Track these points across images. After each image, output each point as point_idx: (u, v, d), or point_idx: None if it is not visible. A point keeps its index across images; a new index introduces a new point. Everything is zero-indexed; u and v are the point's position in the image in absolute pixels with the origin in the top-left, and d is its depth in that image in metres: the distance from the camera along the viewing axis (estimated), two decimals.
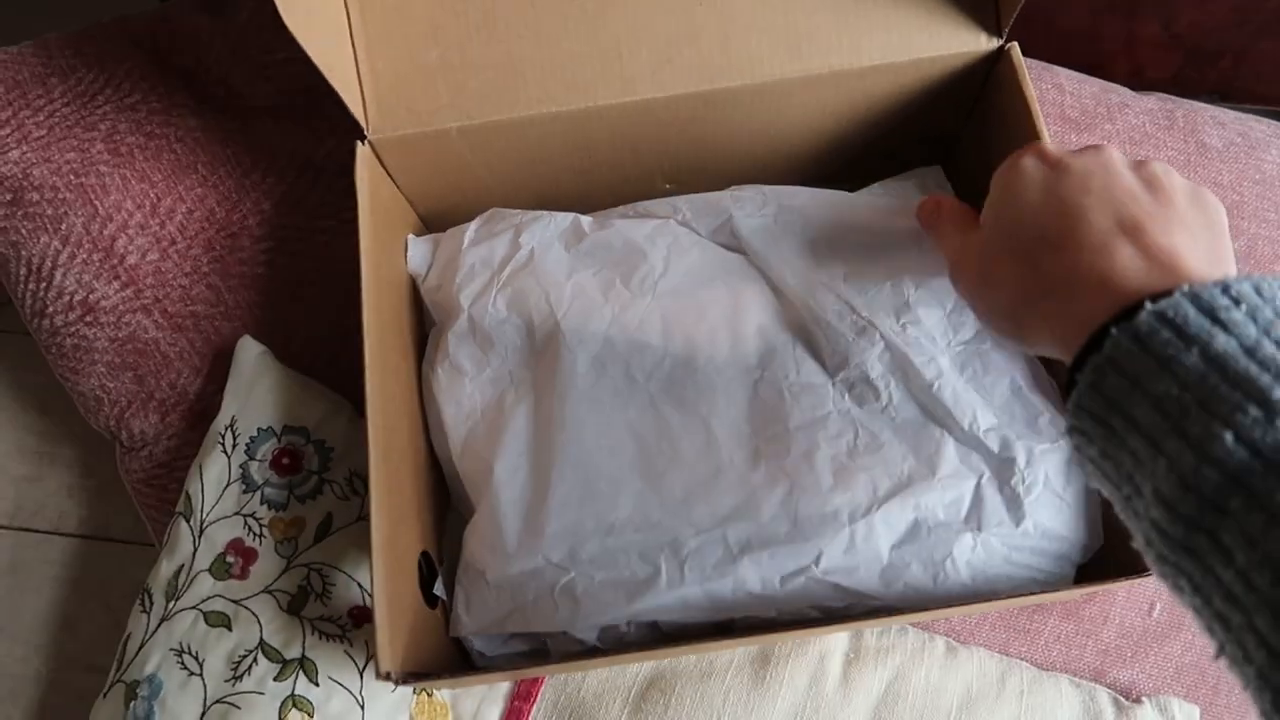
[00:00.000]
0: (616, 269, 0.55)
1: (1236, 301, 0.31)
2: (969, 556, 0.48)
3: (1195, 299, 0.31)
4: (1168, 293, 0.32)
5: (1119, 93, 0.73)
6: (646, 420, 0.52)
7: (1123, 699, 0.57)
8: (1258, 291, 0.31)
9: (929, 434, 0.50)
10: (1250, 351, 0.29)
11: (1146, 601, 0.59)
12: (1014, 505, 0.49)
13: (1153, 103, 0.72)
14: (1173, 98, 0.73)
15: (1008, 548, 0.48)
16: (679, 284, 0.54)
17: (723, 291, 0.54)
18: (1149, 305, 0.32)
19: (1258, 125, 0.72)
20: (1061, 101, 0.70)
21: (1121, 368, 0.32)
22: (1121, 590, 0.59)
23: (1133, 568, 0.48)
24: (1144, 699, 0.57)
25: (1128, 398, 0.31)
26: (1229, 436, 0.28)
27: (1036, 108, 0.53)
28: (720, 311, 0.53)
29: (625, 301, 0.54)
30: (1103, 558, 0.52)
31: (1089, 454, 0.34)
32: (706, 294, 0.54)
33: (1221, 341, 0.30)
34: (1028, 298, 0.38)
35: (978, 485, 0.49)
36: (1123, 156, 0.40)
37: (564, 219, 0.57)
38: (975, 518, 0.48)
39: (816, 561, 0.48)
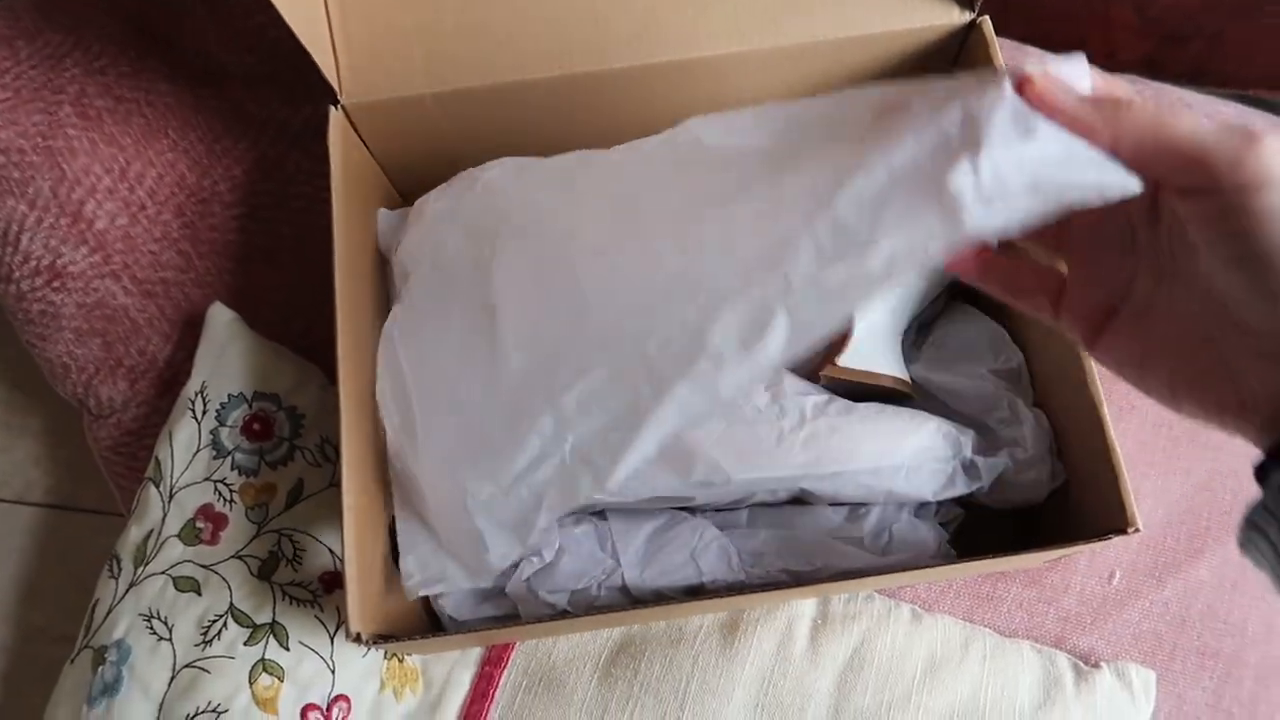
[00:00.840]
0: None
1: None
2: None
3: None
4: None
5: (1091, 75, 0.73)
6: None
7: (1082, 664, 0.58)
8: None
9: None
10: None
11: (1107, 569, 0.61)
12: None
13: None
14: (1143, 80, 0.74)
15: None
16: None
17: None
18: None
19: (1225, 108, 0.73)
20: None
21: None
22: (1083, 558, 0.60)
23: (1093, 532, 0.49)
24: (1102, 664, 0.58)
25: None
26: None
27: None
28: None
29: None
30: (1064, 522, 0.53)
31: (1259, 547, 0.32)
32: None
33: None
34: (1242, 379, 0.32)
35: None
36: None
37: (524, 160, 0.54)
38: None
39: None
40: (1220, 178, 0.29)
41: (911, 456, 0.51)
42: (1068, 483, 0.53)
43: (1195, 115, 0.30)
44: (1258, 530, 0.32)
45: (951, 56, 0.57)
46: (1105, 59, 0.75)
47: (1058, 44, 0.72)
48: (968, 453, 0.52)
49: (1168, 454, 0.63)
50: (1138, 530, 0.47)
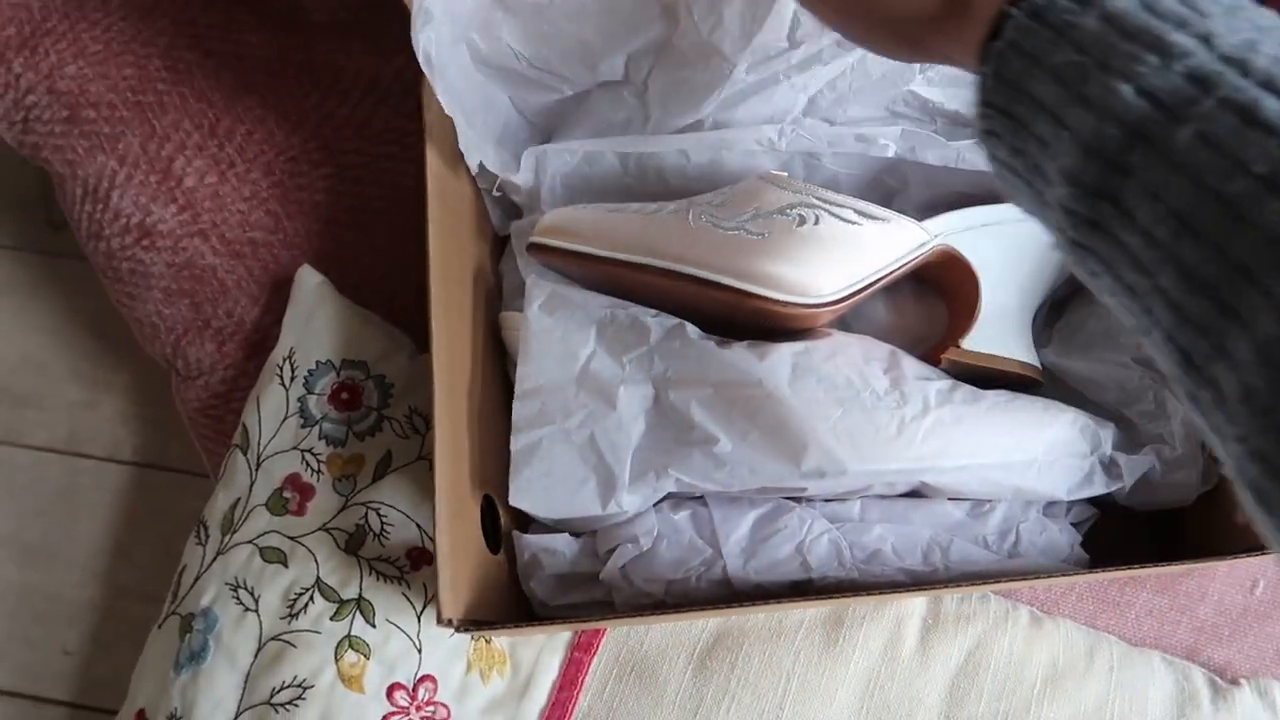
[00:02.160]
0: None
1: None
2: None
3: None
4: None
5: None
6: None
7: (1219, 679, 0.53)
8: None
9: None
10: (1148, 6, 0.28)
11: (1250, 578, 0.56)
12: None
13: None
14: None
15: None
16: None
17: None
18: None
19: None
20: None
21: (1021, 48, 0.30)
22: (1223, 564, 0.56)
23: (1247, 544, 0.45)
24: (1242, 680, 0.53)
25: (1029, 77, 0.30)
26: (1128, 90, 0.27)
27: None
28: None
29: None
30: (1211, 529, 0.49)
31: (1000, 157, 0.33)
32: None
33: None
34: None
35: None
36: None
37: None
38: None
39: None
40: None
41: (1045, 451, 0.47)
42: (1219, 486, 0.48)
43: None
44: (992, 135, 0.33)
45: None
46: None
47: None
48: (1108, 449, 0.48)
49: None
50: None
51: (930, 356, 0.51)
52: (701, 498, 0.52)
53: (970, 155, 0.51)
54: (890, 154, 0.51)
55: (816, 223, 0.49)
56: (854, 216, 0.49)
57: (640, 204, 0.52)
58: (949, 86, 0.56)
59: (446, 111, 0.50)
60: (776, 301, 0.48)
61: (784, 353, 0.49)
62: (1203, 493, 0.48)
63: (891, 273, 0.50)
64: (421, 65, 0.48)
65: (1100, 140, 0.28)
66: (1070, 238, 0.30)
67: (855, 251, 0.49)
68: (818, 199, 0.49)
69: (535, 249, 0.52)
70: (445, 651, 0.53)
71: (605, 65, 0.55)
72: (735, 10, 0.51)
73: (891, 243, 0.50)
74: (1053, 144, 0.30)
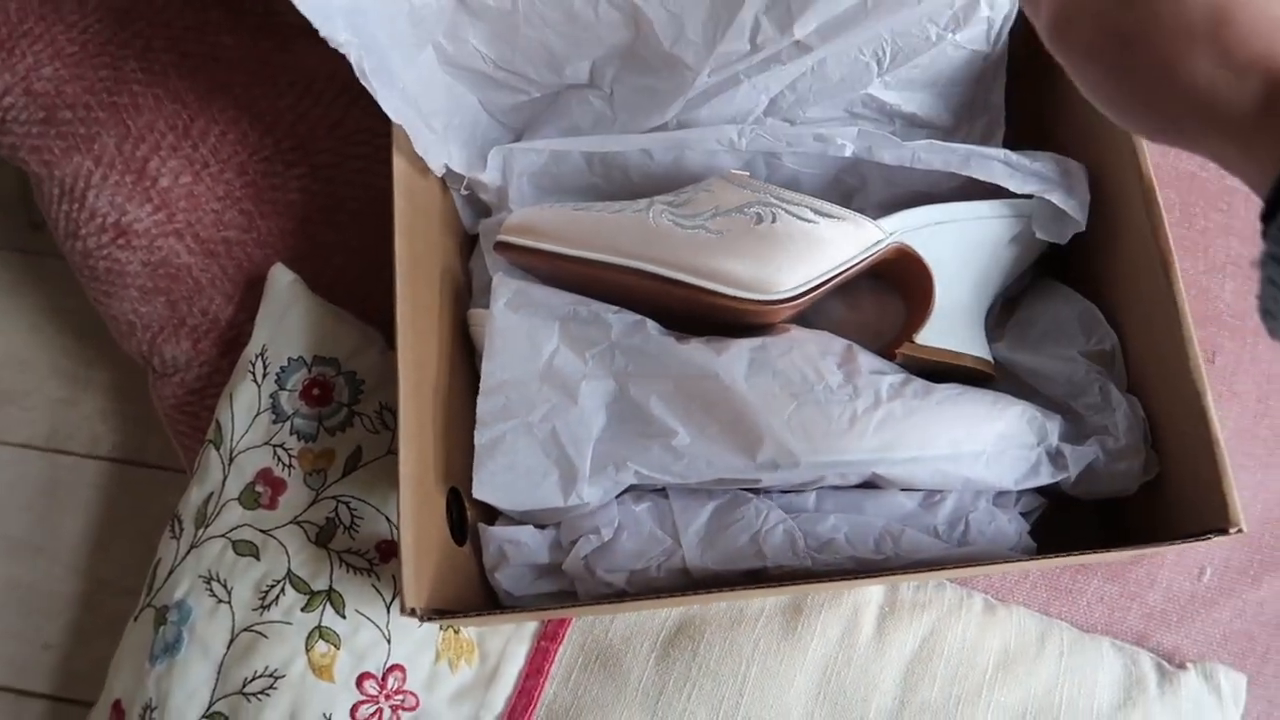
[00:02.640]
0: None
1: None
2: None
3: None
4: None
5: None
6: None
7: (1166, 664, 0.55)
8: None
9: None
10: None
11: (1197, 565, 0.57)
12: None
13: None
14: None
15: None
16: None
17: None
18: None
19: None
20: None
21: None
22: (1171, 552, 0.57)
23: (1189, 530, 0.46)
24: (1189, 665, 0.55)
25: None
26: None
27: None
28: None
29: None
30: (1156, 517, 0.50)
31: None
32: None
33: None
34: (1182, 90, 0.29)
35: None
36: None
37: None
38: None
39: None
40: None
41: (994, 443, 0.49)
42: (1162, 475, 0.50)
43: None
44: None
45: None
46: None
47: None
48: (1054, 440, 0.49)
49: (1269, 445, 0.59)
50: (1240, 530, 0.43)
51: (886, 351, 0.53)
52: (662, 490, 0.53)
53: (926, 155, 0.52)
54: (848, 154, 0.52)
55: (774, 221, 0.50)
56: (811, 215, 0.50)
57: (605, 203, 0.53)
58: (905, 90, 0.57)
59: (393, 118, 0.50)
60: (735, 299, 0.50)
61: (741, 348, 0.51)
62: (1145, 482, 0.50)
63: (848, 269, 0.51)
64: (358, 77, 0.49)
65: None
66: None
67: (812, 249, 0.50)
68: (775, 198, 0.51)
69: (502, 248, 0.54)
70: (414, 642, 0.54)
71: (570, 70, 0.56)
72: (698, 21, 0.53)
73: (848, 240, 0.51)
74: None
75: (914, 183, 0.56)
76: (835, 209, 0.51)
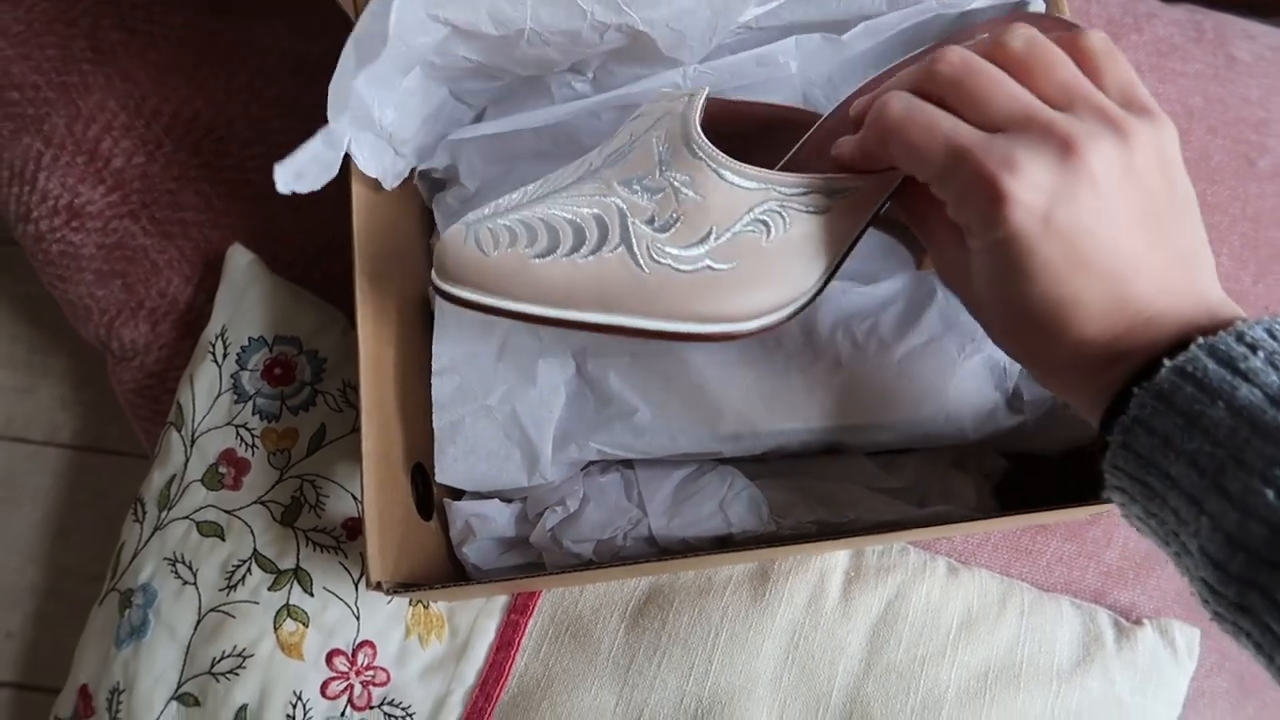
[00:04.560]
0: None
1: (1253, 348, 0.30)
2: None
3: (1213, 351, 0.30)
4: (1182, 344, 0.31)
5: (1147, 2, 0.70)
6: None
7: (1123, 620, 0.56)
8: (1272, 335, 0.30)
9: None
10: (1276, 400, 0.29)
11: None
12: None
13: (1181, 14, 0.69)
14: (1202, 9, 0.70)
15: None
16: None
17: None
18: (1167, 362, 0.31)
19: None
20: (1088, 10, 0.67)
21: (1151, 427, 0.31)
22: None
23: None
24: (1145, 620, 0.56)
25: (1162, 456, 0.31)
26: (1270, 493, 0.28)
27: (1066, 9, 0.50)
28: None
29: None
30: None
31: (1133, 512, 0.34)
32: None
33: (1245, 393, 0.29)
34: (1041, 359, 0.36)
35: None
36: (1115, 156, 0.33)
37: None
38: None
39: None
40: (976, 237, 0.34)
41: (954, 396, 0.49)
42: None
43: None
44: (1122, 492, 0.34)
45: None
46: None
47: None
48: (1010, 384, 0.50)
49: None
50: None
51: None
52: (629, 462, 0.53)
53: (864, 37, 0.50)
54: (792, 70, 0.50)
55: (787, 226, 0.41)
56: (821, 202, 0.41)
57: (548, 191, 0.42)
58: None
59: (366, 171, 0.50)
60: (758, 329, 0.42)
61: None
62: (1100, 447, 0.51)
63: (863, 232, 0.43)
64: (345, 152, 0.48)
65: (1245, 535, 0.28)
66: (1215, 610, 0.31)
67: (831, 236, 0.42)
68: (779, 191, 0.41)
69: (447, 298, 0.42)
70: (384, 618, 0.54)
71: (559, 67, 0.55)
72: (698, 30, 0.50)
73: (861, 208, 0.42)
74: (1191, 523, 0.30)
75: (856, 79, 0.55)
76: (842, 179, 0.41)
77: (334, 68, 0.54)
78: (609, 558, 0.52)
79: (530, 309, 0.41)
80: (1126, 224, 0.33)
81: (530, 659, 0.54)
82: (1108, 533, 0.58)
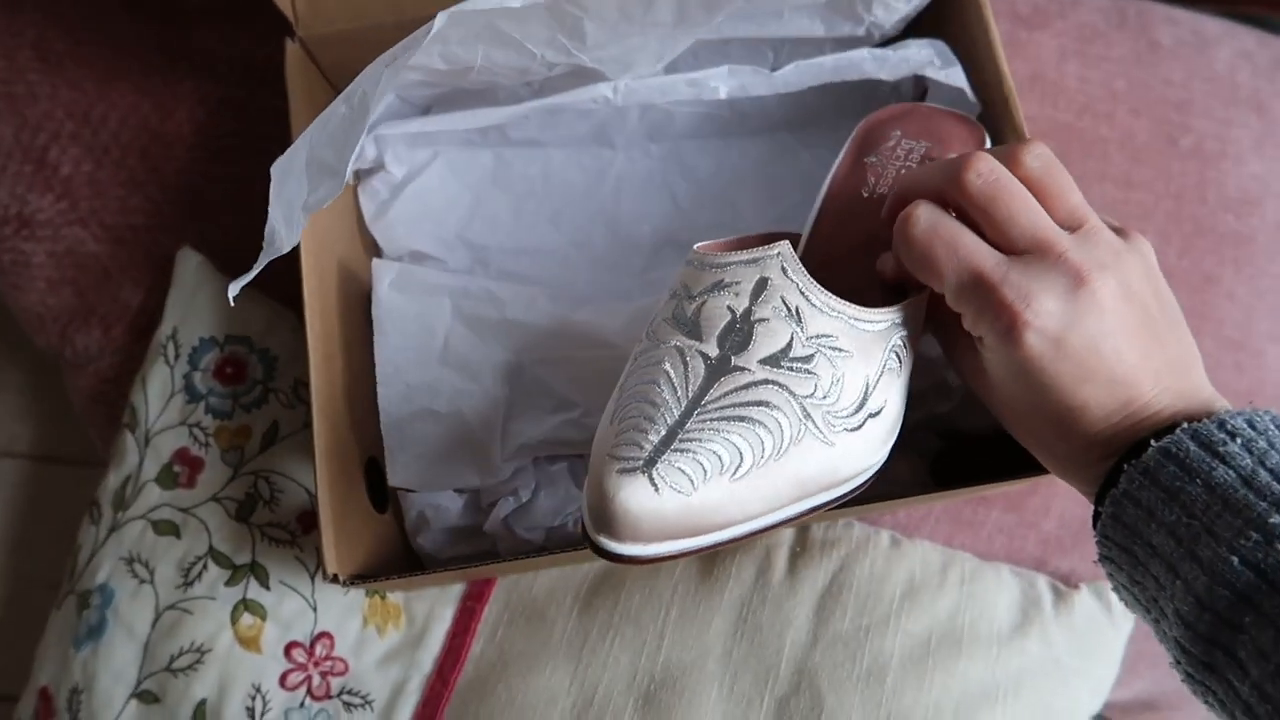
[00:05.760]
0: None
1: (1232, 435, 0.34)
2: None
3: (1195, 435, 0.34)
4: (1170, 428, 0.35)
5: None
6: None
7: (1061, 585, 0.58)
8: (1251, 425, 0.34)
9: None
10: (1247, 481, 0.33)
11: None
12: None
13: (1106, 0, 0.71)
14: None
15: None
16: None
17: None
18: (1154, 443, 0.35)
19: (1210, 24, 0.72)
20: None
21: (1137, 499, 0.35)
22: (1062, 483, 0.60)
23: None
24: (1081, 585, 0.58)
25: (1146, 526, 0.35)
26: (1235, 560, 0.31)
27: (987, 2, 0.52)
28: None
29: None
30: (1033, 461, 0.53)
31: (1120, 581, 0.38)
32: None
33: (1220, 473, 0.33)
34: (1051, 451, 0.40)
35: None
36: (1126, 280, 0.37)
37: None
38: None
39: None
40: (991, 350, 0.38)
41: None
42: None
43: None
44: (1110, 562, 0.38)
45: None
46: None
47: None
48: (938, 373, 0.51)
49: None
50: None
51: None
52: (580, 455, 0.55)
53: (795, 78, 0.52)
54: (722, 95, 0.52)
55: (909, 352, 0.42)
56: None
57: (688, 408, 0.37)
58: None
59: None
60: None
61: (632, 313, 0.52)
62: None
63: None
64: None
65: (1212, 597, 0.32)
66: (1186, 670, 0.34)
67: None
68: (897, 323, 0.40)
69: (639, 561, 0.36)
70: (341, 609, 0.55)
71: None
72: (646, 57, 0.51)
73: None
74: (1168, 588, 0.34)
75: (784, 109, 0.58)
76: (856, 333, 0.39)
77: (279, 69, 0.55)
78: (560, 543, 0.53)
79: (741, 530, 0.37)
80: (1127, 338, 0.37)
81: (486, 643, 0.56)
82: (1046, 503, 0.60)
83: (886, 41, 0.55)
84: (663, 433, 0.36)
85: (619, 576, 0.56)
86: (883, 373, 0.40)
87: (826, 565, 0.56)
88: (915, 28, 0.56)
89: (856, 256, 0.46)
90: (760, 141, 0.60)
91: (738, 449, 0.36)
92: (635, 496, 0.35)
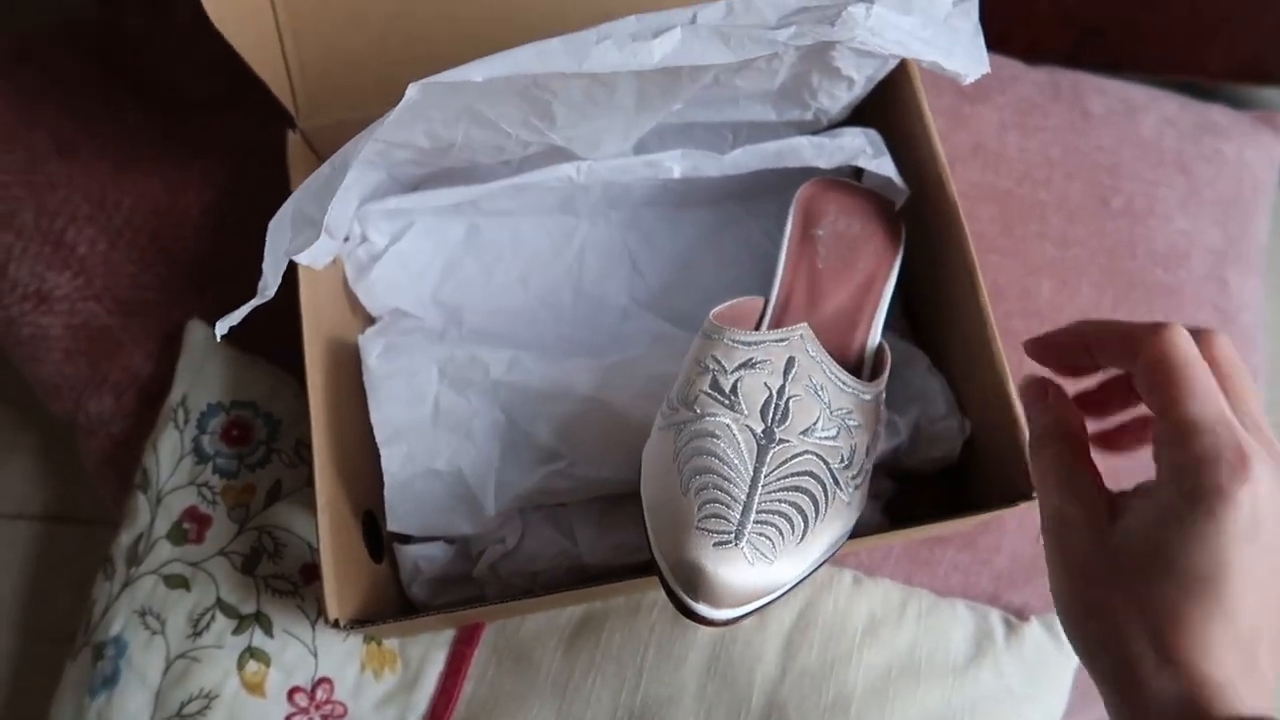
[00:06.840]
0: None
1: None
2: None
3: None
4: None
5: (1011, 66, 0.78)
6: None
7: (1013, 618, 0.62)
8: None
9: None
10: None
11: (1034, 531, 0.64)
12: None
13: (1042, 75, 0.78)
14: (1062, 70, 0.79)
15: None
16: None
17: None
18: None
19: (1137, 92, 0.78)
20: None
21: None
22: (1012, 522, 0.65)
23: (1018, 494, 0.53)
24: (1033, 618, 0.62)
25: None
26: None
27: (917, 72, 0.58)
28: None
29: None
30: (990, 489, 0.58)
31: None
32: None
33: None
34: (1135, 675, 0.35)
35: None
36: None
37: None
38: None
39: None
40: (1180, 482, 0.35)
41: None
42: (978, 453, 0.57)
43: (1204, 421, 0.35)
44: None
45: None
46: (1030, 51, 0.79)
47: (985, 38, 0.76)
48: (884, 411, 0.56)
49: None
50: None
51: None
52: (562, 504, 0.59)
53: (743, 160, 0.57)
54: (676, 175, 0.57)
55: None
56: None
57: (750, 485, 0.44)
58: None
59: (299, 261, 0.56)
60: None
61: (618, 365, 0.57)
62: (972, 463, 0.57)
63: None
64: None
65: None
66: None
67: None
68: (878, 396, 0.50)
69: (726, 623, 0.44)
70: (340, 655, 0.59)
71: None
72: (614, 137, 0.55)
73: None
74: None
75: (732, 186, 0.63)
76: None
77: (280, 148, 0.60)
78: (546, 587, 0.57)
79: (792, 585, 0.44)
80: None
81: (477, 684, 0.59)
82: (996, 541, 0.65)
83: (833, 124, 0.61)
84: (740, 506, 0.42)
85: (600, 618, 0.60)
86: (873, 437, 0.48)
87: (793, 603, 0.60)
88: (860, 111, 0.62)
89: (825, 326, 0.53)
90: (711, 210, 0.66)
91: (801, 516, 0.43)
92: (732, 569, 0.41)
